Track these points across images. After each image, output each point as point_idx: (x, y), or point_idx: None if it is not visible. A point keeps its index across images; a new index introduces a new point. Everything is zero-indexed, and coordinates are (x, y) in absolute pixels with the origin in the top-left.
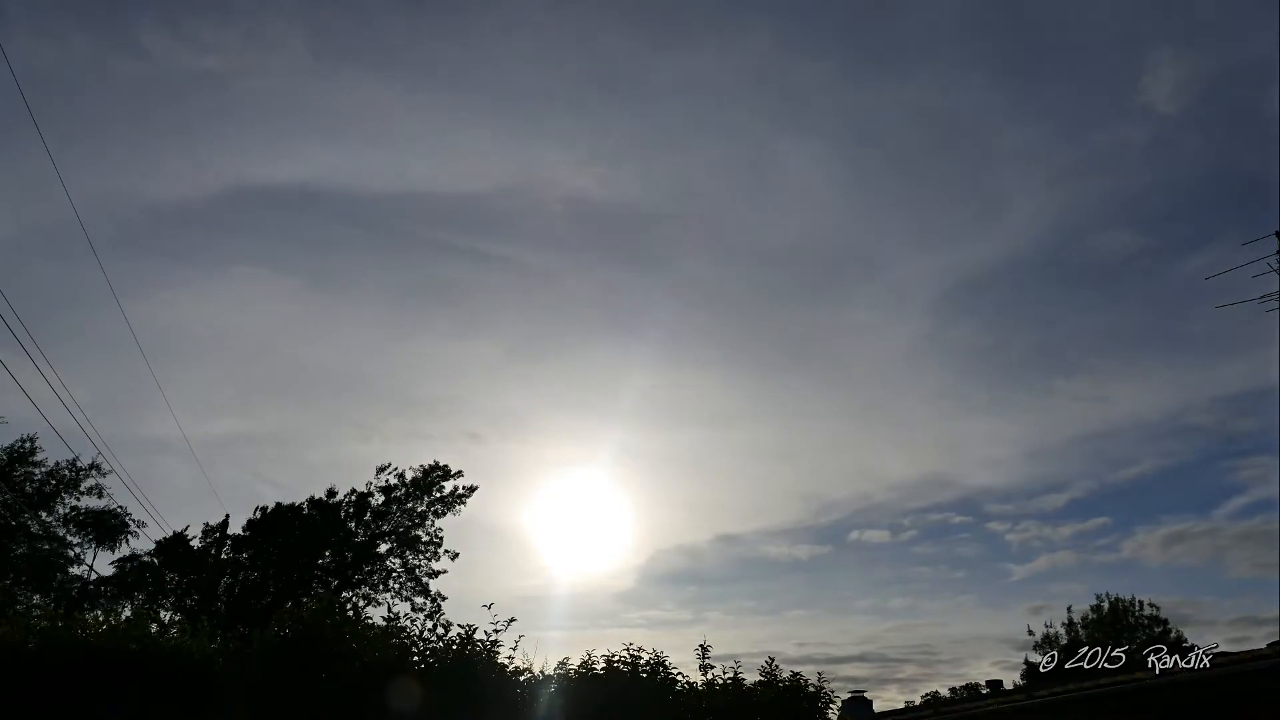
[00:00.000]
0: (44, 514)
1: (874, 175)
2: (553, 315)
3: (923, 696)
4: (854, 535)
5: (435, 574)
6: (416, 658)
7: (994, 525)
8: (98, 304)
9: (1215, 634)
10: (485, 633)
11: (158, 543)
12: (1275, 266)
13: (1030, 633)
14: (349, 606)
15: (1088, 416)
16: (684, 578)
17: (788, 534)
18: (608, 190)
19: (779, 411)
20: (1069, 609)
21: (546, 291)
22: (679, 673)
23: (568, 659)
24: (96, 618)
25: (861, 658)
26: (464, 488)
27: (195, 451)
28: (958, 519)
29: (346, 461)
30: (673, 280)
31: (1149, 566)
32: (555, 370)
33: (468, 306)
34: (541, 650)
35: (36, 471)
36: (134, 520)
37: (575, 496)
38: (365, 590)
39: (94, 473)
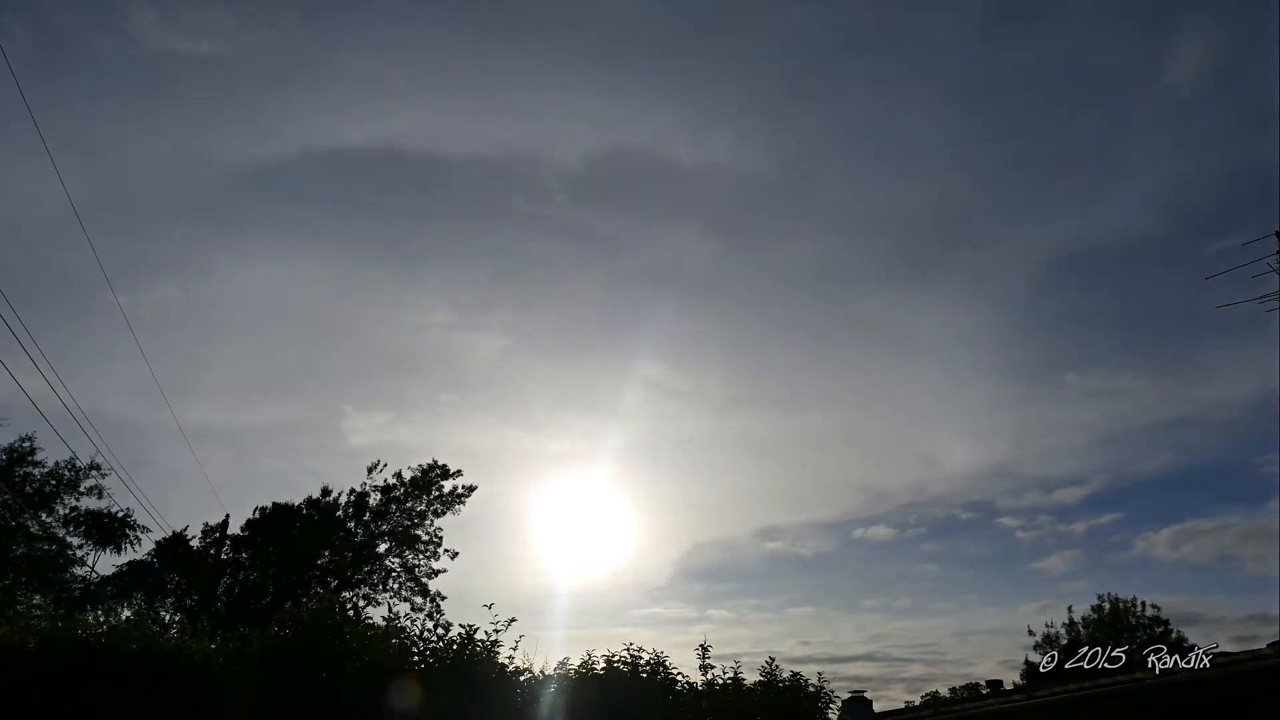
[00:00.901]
0: (44, 514)
1: (987, 140)
2: (620, 293)
3: (923, 697)
4: (909, 530)
5: (435, 573)
6: (416, 658)
7: (1041, 521)
8: (140, 283)
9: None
10: (485, 633)
11: (157, 543)
12: (1275, 266)
13: (1030, 633)
14: (349, 606)
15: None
16: (720, 572)
17: (834, 527)
18: (700, 155)
19: (844, 396)
20: (1069, 609)
21: (619, 265)
22: (679, 673)
23: (567, 659)
24: (96, 618)
25: (915, 659)
26: (463, 487)
27: (230, 438)
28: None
29: (393, 448)
30: (756, 255)
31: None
32: (619, 351)
33: (540, 284)
34: (575, 646)
35: (36, 472)
36: (138, 525)
37: (621, 486)
38: (365, 590)
39: (94, 473)
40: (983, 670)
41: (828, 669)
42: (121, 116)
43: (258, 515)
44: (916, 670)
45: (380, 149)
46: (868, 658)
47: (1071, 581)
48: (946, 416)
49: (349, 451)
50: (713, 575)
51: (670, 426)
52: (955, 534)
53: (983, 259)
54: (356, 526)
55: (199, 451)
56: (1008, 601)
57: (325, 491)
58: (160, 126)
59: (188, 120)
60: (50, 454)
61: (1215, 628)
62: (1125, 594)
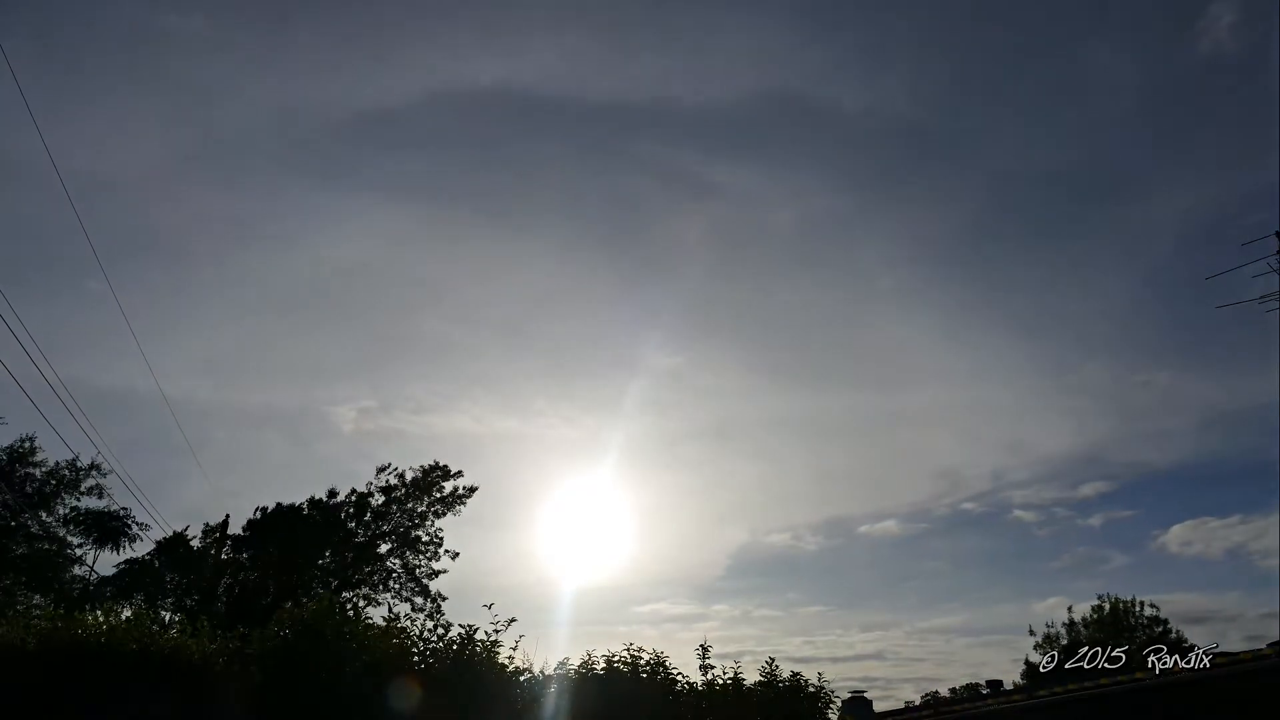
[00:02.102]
0: (44, 514)
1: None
2: (749, 252)
3: (923, 697)
4: (1009, 514)
5: (435, 574)
6: (416, 658)
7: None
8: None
9: None
10: (485, 633)
11: (158, 543)
12: (1275, 266)
13: (1031, 632)
14: (349, 606)
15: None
16: (778, 566)
17: (903, 518)
18: (862, 100)
19: (952, 370)
20: (1069, 609)
21: (748, 225)
22: (679, 673)
23: (567, 659)
24: (96, 618)
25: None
26: (464, 488)
27: (235, 419)
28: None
29: (470, 438)
30: (893, 212)
31: None
32: (726, 325)
33: (659, 244)
34: (611, 641)
35: (36, 471)
36: (137, 523)
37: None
38: (365, 590)
39: (94, 473)
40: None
41: (898, 671)
42: (235, 56)
43: (259, 515)
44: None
45: (506, 91)
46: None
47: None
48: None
49: (414, 437)
50: (770, 569)
51: (751, 408)
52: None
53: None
54: (358, 527)
55: (259, 435)
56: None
57: (331, 493)
58: (276, 67)
59: (305, 64)
60: (51, 454)
61: (1230, 625)
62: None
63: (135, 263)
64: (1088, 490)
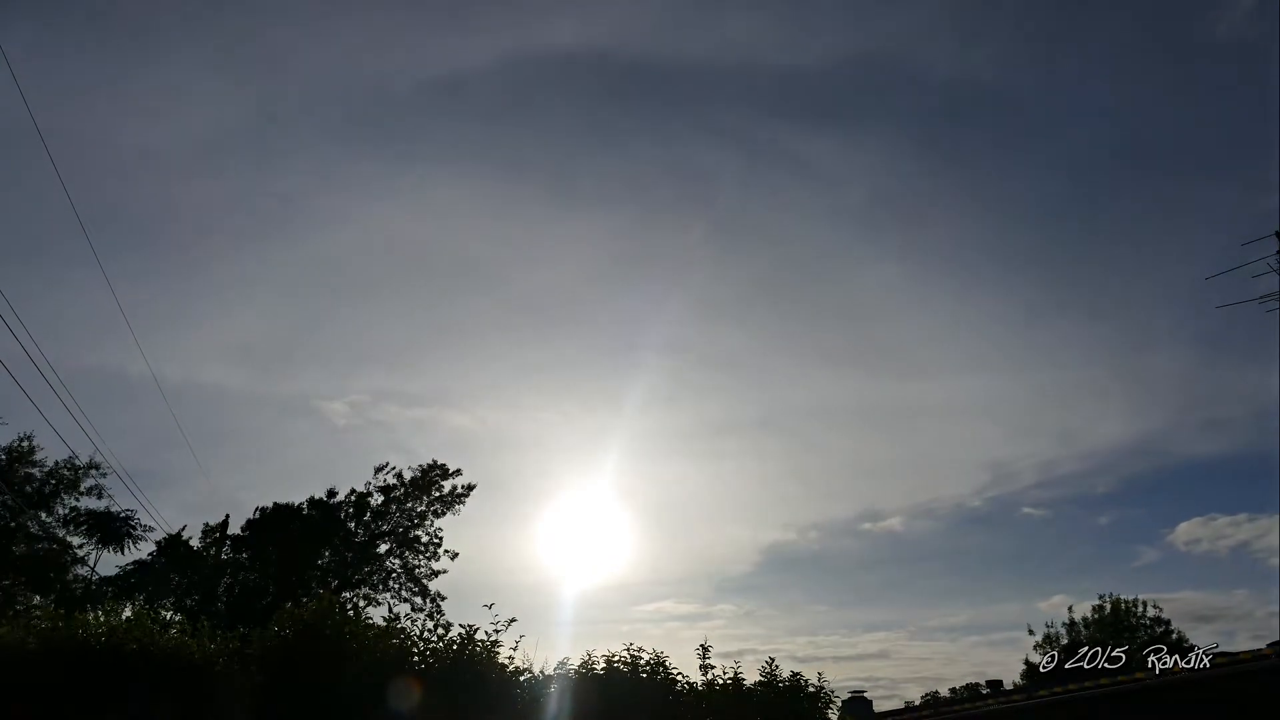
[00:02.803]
0: (44, 514)
1: None
2: (816, 227)
3: (923, 697)
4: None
5: (435, 574)
6: (416, 658)
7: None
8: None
9: None
10: (486, 633)
11: (158, 543)
12: (1275, 266)
13: (1031, 632)
14: (349, 606)
15: None
16: (807, 561)
17: (944, 514)
18: (950, 68)
19: (1019, 358)
20: (1070, 609)
21: (818, 200)
22: (679, 673)
23: (567, 659)
24: (97, 618)
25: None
26: (462, 486)
27: (267, 409)
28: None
29: (515, 431)
30: (974, 188)
31: None
32: (783, 309)
33: (724, 219)
34: (643, 636)
35: (36, 471)
36: (141, 525)
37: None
38: (365, 590)
39: (93, 472)
40: None
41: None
42: (297, 19)
43: (258, 515)
44: None
45: (583, 54)
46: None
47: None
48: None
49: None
50: (802, 564)
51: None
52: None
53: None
54: (357, 527)
55: (292, 424)
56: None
57: (331, 493)
58: (338, 32)
59: (369, 28)
60: (51, 453)
61: (1239, 624)
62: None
63: (170, 242)
64: (1101, 485)
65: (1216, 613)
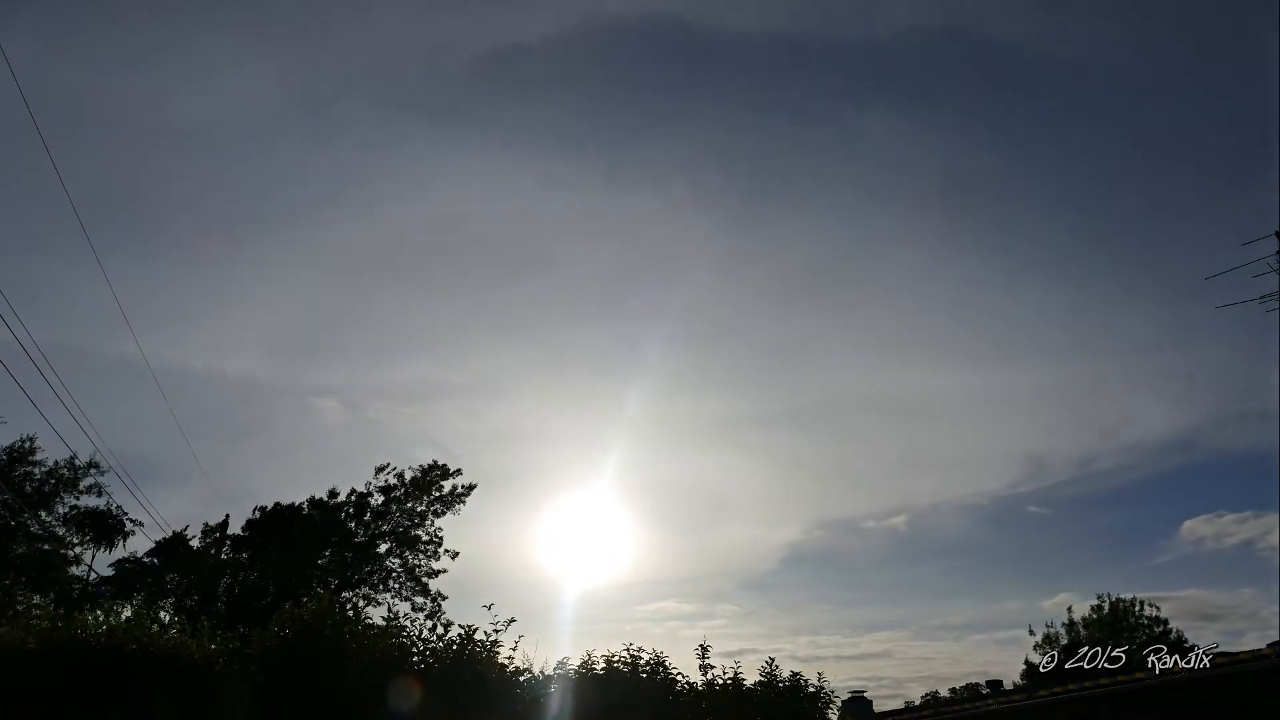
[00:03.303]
0: (43, 513)
1: None
2: (889, 208)
3: (923, 697)
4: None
5: (435, 574)
6: (416, 658)
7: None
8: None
9: None
10: (485, 633)
11: (157, 543)
12: (1275, 266)
13: (1031, 632)
14: (349, 606)
15: None
16: (834, 558)
17: (977, 508)
18: (1031, 37)
19: (1065, 342)
20: (1069, 609)
21: (888, 179)
22: (679, 673)
23: (567, 659)
24: (96, 618)
25: None
26: (462, 486)
27: (294, 400)
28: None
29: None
30: (1047, 166)
31: None
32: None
33: (789, 201)
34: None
35: (36, 471)
36: (131, 520)
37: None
38: (365, 590)
39: (93, 471)
40: None
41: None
42: None
43: (257, 515)
44: None
45: (650, 23)
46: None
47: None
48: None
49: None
50: (830, 561)
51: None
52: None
53: None
54: (357, 527)
55: (319, 418)
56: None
57: (331, 493)
58: (388, 3)
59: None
60: (51, 453)
61: (1248, 622)
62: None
63: (211, 222)
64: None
65: (1224, 611)
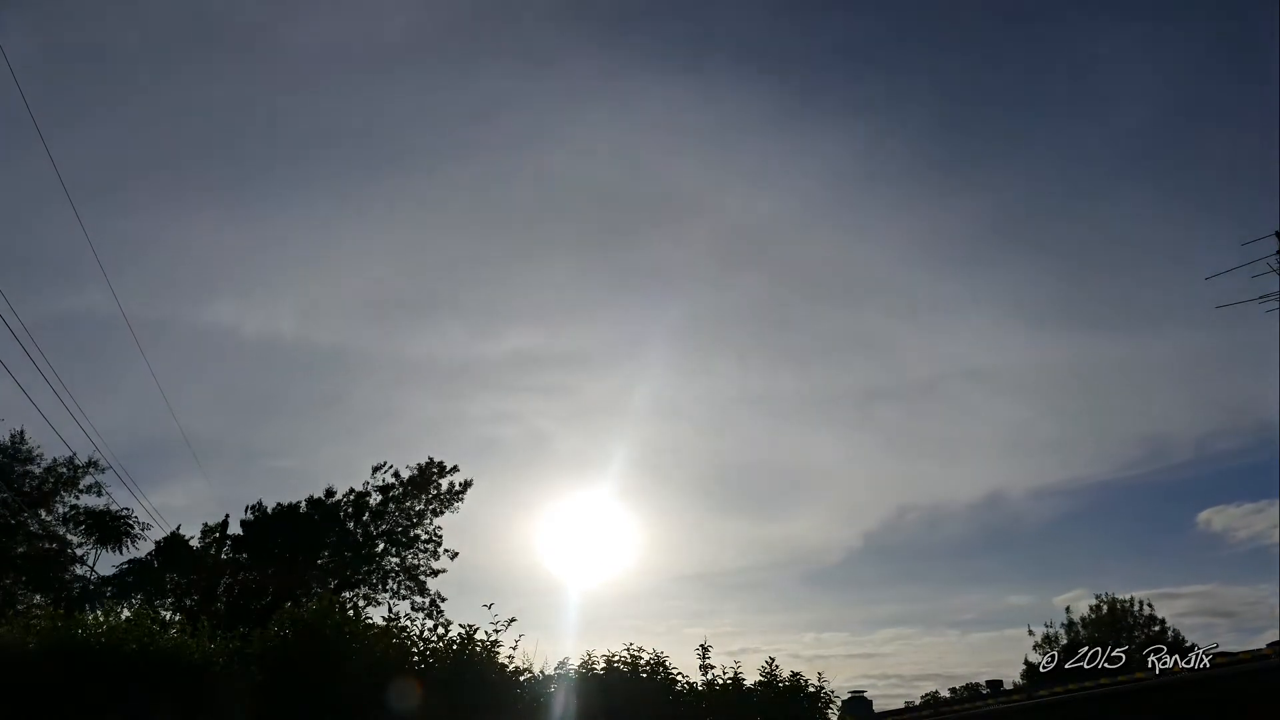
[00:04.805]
0: (43, 513)
1: None
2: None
3: (923, 697)
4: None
5: (434, 573)
6: (416, 657)
7: None
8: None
9: None
10: (485, 633)
11: (157, 543)
12: (1275, 266)
13: (1030, 632)
14: (349, 606)
15: None
16: (908, 549)
17: (1076, 493)
18: None
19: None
20: (1068, 609)
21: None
22: (679, 673)
23: (567, 659)
24: (96, 618)
25: None
26: (460, 484)
27: (387, 372)
28: None
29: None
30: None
31: None
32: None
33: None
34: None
35: (35, 470)
36: (138, 523)
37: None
38: (365, 590)
39: (92, 470)
40: None
41: None
42: None
43: (256, 515)
44: None
45: None
46: None
47: None
48: None
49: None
50: (909, 552)
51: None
52: None
53: None
54: (356, 526)
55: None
56: None
57: (329, 492)
58: None
59: None
60: (50, 453)
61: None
62: None
63: (315, 169)
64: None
65: (1235, 608)
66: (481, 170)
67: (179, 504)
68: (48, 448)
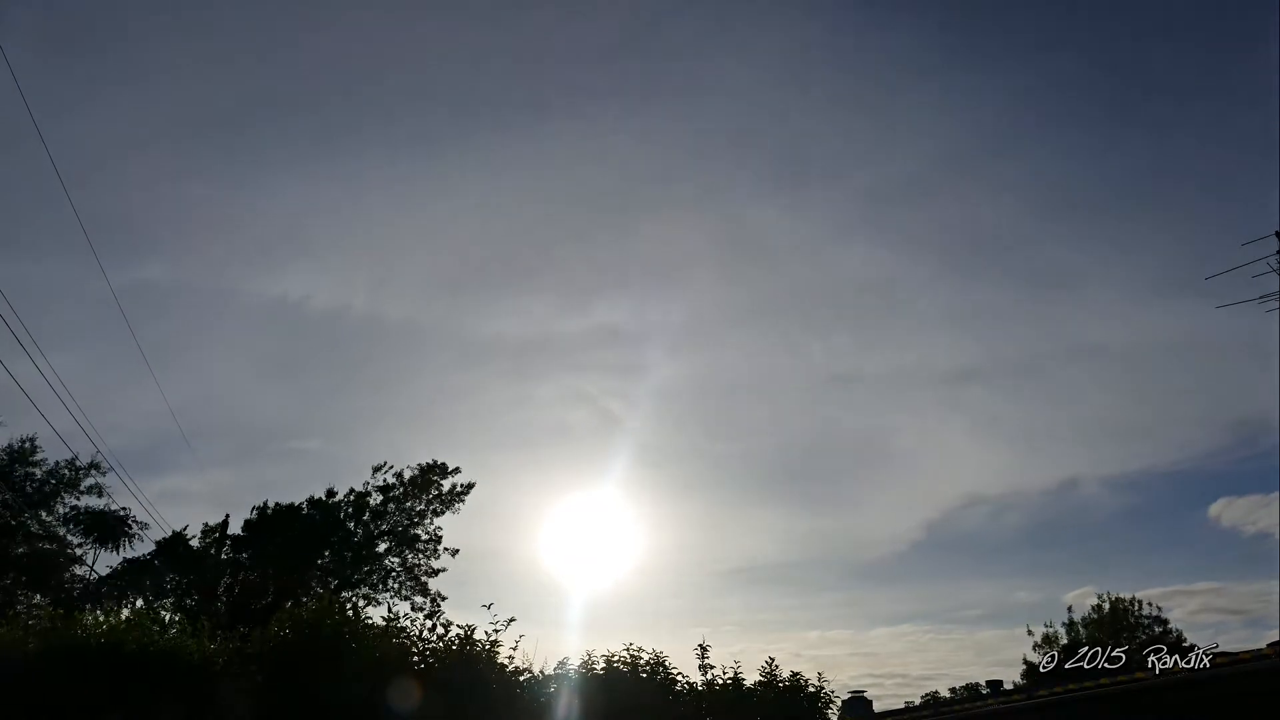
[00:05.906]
0: (44, 514)
1: None
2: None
3: (923, 697)
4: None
5: (435, 572)
6: (416, 657)
7: None
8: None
9: None
10: (485, 633)
11: (157, 543)
12: (1275, 266)
13: (1030, 633)
14: (349, 606)
15: None
16: (974, 539)
17: (1149, 482)
18: None
19: None
20: (1069, 609)
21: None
22: (679, 673)
23: (567, 659)
24: (96, 618)
25: None
26: (461, 485)
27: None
28: None
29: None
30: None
31: None
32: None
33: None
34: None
35: (37, 471)
36: (136, 521)
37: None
38: (365, 590)
39: (93, 472)
40: None
41: None
42: None
43: (256, 515)
44: None
45: None
46: None
47: None
48: None
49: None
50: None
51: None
52: None
53: None
54: (356, 526)
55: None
56: None
57: (330, 492)
58: None
59: None
60: (51, 454)
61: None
62: None
63: (399, 132)
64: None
65: (1242, 605)
66: (586, 125)
67: (223, 482)
68: (47, 449)
